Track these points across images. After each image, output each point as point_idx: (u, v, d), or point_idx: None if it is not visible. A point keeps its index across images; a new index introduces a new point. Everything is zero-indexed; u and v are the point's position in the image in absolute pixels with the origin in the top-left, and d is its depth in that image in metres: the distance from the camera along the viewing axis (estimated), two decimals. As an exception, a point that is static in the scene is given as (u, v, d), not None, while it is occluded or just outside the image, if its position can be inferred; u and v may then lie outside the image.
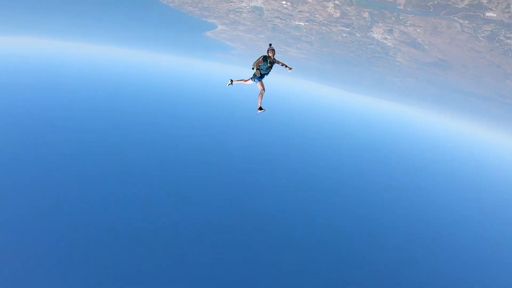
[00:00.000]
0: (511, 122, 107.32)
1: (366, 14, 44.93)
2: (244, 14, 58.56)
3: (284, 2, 47.50)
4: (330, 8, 45.15)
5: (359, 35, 54.45)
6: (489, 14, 36.60)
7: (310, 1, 44.58)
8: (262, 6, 51.58)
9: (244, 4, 52.62)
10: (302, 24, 55.68)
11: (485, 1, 34.61)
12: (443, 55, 55.48)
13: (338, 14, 46.67)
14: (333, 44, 65.46)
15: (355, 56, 73.36)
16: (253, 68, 15.20)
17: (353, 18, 47.17)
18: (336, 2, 43.12)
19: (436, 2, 37.21)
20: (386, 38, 53.15)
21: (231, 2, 53.00)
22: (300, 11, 49.62)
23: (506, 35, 39.87)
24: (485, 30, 40.29)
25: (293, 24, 57.25)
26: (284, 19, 55.90)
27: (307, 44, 73.17)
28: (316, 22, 52.48)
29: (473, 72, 61.10)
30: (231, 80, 15.88)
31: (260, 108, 15.69)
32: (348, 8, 43.94)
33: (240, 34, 79.21)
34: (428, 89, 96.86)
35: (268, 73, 15.41)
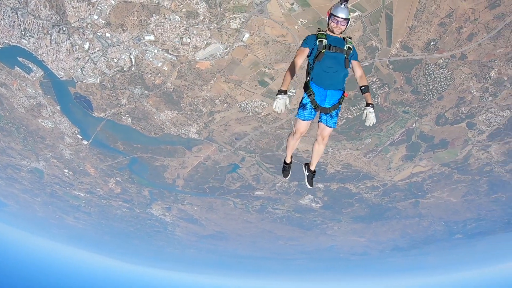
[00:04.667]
0: (292, 272, 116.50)
1: (146, 192, 46.49)
2: (23, 173, 54.45)
3: (66, 170, 46.21)
4: (112, 183, 45.52)
5: (139, 211, 55.08)
6: (258, 192, 41.91)
7: (92, 174, 44.57)
8: (43, 169, 49.14)
9: (25, 162, 49.45)
10: (82, 194, 54.22)
11: (254, 183, 39.64)
12: (220, 227, 59.44)
13: (119, 190, 47.13)
14: (112, 217, 64.51)
15: (134, 230, 72.64)
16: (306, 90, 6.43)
17: (133, 195, 48.10)
18: (118, 179, 43.87)
19: (211, 185, 41.10)
20: (164, 215, 54.77)
21: (12, 157, 49.35)
22: (81, 182, 48.66)
23: (274, 207, 46.16)
24: (256, 205, 45.69)
25: (73, 193, 55.37)
26: (64, 187, 53.67)
27: (85, 214, 70.46)
28: (96, 195, 51.78)
29: (248, 239, 66.47)
30: (285, 165, 8.10)
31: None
32: (129, 185, 44.99)
33: (15, 192, 72.55)
34: (209, 258, 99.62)
35: (336, 98, 6.38)
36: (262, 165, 37.81)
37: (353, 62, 6.42)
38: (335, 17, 6.22)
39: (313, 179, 8.08)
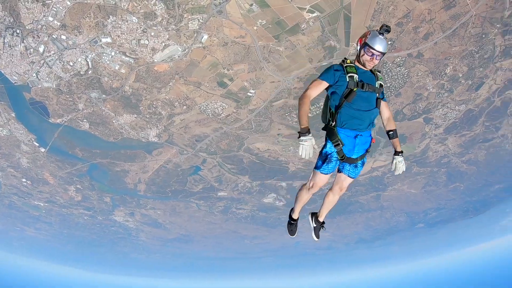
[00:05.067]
0: (260, 270, 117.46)
1: (107, 199, 45.60)
2: (-21, 185, 52.65)
3: (24, 180, 44.62)
4: (72, 191, 44.37)
5: (101, 218, 53.99)
6: (221, 193, 42.02)
7: (52, 183, 43.34)
8: (0, 179, 47.47)
9: (-20, 173, 47.64)
10: (42, 204, 52.63)
11: (216, 184, 39.59)
12: (184, 230, 59.24)
13: (79, 198, 46.00)
14: (74, 226, 63.03)
15: (97, 238, 71.40)
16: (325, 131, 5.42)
17: (95, 202, 47.04)
18: (78, 186, 42.76)
19: (173, 188, 40.72)
20: (128, 220, 53.99)
21: (-34, 168, 47.39)
22: (40, 191, 47.15)
23: (237, 207, 46.61)
24: (219, 206, 45.79)
25: (32, 203, 53.66)
26: (22, 197, 51.89)
27: (46, 224, 68.44)
28: (57, 204, 50.38)
29: (214, 240, 66.36)
30: (292, 221, 6.94)
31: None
32: (89, 192, 43.97)
33: (-28, 204, 69.78)
34: (176, 261, 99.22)
35: (365, 146, 5.41)
36: (224, 166, 37.83)
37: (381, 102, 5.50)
38: (371, 49, 5.06)
39: (320, 230, 6.77)
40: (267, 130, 32.41)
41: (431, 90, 30.59)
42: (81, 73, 28.04)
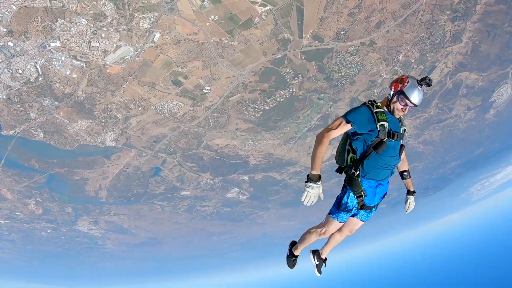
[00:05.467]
0: (230, 264, 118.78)
1: (69, 209, 44.57)
2: None
3: (-19, 199, 43.22)
4: (32, 205, 42.95)
5: (65, 230, 52.74)
6: (184, 193, 42.01)
7: (10, 198, 41.88)
8: (-44, 200, 45.48)
9: None
10: (2, 221, 50.79)
11: (178, 184, 39.42)
12: (151, 233, 59.30)
13: (40, 211, 44.62)
14: (38, 240, 61.28)
15: (63, 250, 69.65)
16: (344, 168, 5.08)
17: (57, 214, 45.89)
18: (37, 199, 41.47)
19: (135, 192, 40.24)
20: (92, 229, 53.06)
21: None
22: (-1, 208, 45.90)
23: (202, 205, 47.05)
24: (183, 205, 45.85)
25: (-8, 221, 52.03)
26: (-19, 217, 50.36)
27: (9, 242, 66.09)
28: (18, 220, 48.72)
29: (181, 240, 66.52)
30: (292, 256, 6.37)
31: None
32: (50, 204, 42.79)
33: None
34: (146, 266, 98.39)
35: (384, 192, 5.22)
36: (184, 164, 37.74)
37: None
38: (406, 99, 4.62)
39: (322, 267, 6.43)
40: (225, 126, 32.56)
41: (384, 76, 31.50)
42: (31, 80, 26.99)
